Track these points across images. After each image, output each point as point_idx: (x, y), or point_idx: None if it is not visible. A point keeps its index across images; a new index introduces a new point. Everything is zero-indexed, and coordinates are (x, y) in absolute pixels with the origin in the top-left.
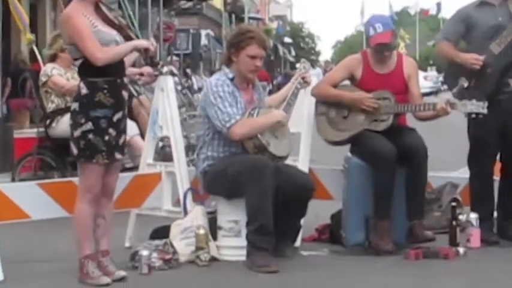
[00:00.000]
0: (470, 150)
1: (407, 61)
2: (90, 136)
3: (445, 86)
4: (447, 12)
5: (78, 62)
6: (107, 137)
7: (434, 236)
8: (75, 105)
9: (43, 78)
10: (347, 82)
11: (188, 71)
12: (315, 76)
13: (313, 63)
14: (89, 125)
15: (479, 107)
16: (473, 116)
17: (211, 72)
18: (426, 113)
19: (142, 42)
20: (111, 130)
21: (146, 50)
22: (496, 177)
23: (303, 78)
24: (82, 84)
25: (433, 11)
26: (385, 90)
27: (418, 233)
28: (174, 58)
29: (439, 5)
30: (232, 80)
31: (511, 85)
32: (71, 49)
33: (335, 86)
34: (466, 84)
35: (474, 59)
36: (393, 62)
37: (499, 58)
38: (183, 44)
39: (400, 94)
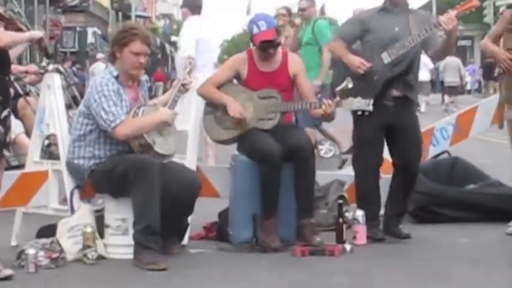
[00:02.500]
0: (355, 149)
1: (292, 59)
2: None
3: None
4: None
5: None
6: None
7: (322, 242)
8: None
9: None
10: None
11: (74, 69)
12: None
13: None
14: None
15: (365, 104)
16: (359, 113)
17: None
18: (315, 111)
19: (37, 33)
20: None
21: (40, 41)
22: (384, 176)
23: (183, 85)
24: None
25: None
26: (272, 88)
27: (308, 236)
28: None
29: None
30: (117, 77)
31: (394, 93)
32: None
33: (220, 85)
34: (350, 85)
35: (360, 63)
36: (278, 60)
37: (387, 68)
38: (69, 41)
39: (286, 92)
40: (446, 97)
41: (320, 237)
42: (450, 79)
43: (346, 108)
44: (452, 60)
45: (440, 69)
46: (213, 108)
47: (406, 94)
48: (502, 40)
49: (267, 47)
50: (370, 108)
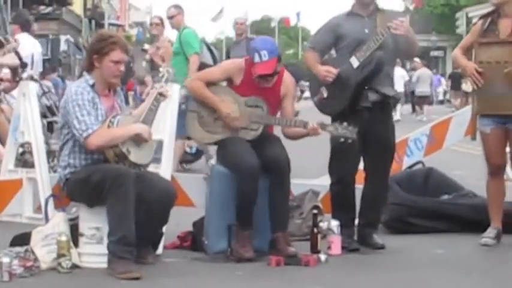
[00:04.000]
0: (331, 158)
1: (286, 80)
2: None
3: (305, 94)
4: (306, 22)
5: None
6: None
7: (297, 252)
8: None
9: None
10: None
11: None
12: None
13: None
14: None
15: (349, 132)
16: (342, 140)
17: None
18: (296, 129)
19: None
20: None
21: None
22: (358, 185)
23: (160, 93)
24: None
25: (293, 20)
26: (259, 97)
27: (281, 247)
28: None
29: (298, 14)
30: (92, 86)
31: (370, 97)
32: None
33: (210, 84)
34: (325, 94)
35: (326, 72)
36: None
37: (357, 72)
38: (42, 49)
39: (273, 109)
40: (417, 107)
41: (294, 248)
42: (421, 89)
43: (331, 132)
44: (424, 72)
45: (413, 80)
46: (198, 107)
47: (384, 93)
48: (473, 52)
49: (266, 78)
50: (354, 136)
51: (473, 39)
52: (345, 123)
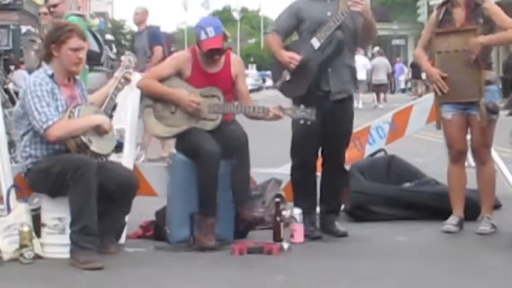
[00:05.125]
0: (292, 143)
1: (234, 60)
2: None
3: (267, 83)
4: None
5: None
6: None
7: (263, 215)
8: None
9: None
10: None
11: (12, 67)
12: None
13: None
14: None
15: (307, 114)
16: (302, 122)
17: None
18: (258, 115)
19: None
20: None
21: None
22: (318, 173)
23: (125, 78)
24: None
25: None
26: (214, 86)
27: (248, 215)
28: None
29: (260, 5)
30: (51, 76)
31: (330, 82)
32: None
33: (161, 80)
34: (288, 77)
35: (289, 58)
36: (221, 60)
37: (318, 53)
38: (3, 40)
39: (228, 93)
40: (374, 95)
41: (260, 212)
42: (379, 77)
43: (290, 116)
44: (380, 61)
45: (369, 68)
46: (153, 102)
47: (343, 88)
48: (431, 44)
49: (214, 54)
50: (313, 118)
51: (430, 32)
52: (303, 106)
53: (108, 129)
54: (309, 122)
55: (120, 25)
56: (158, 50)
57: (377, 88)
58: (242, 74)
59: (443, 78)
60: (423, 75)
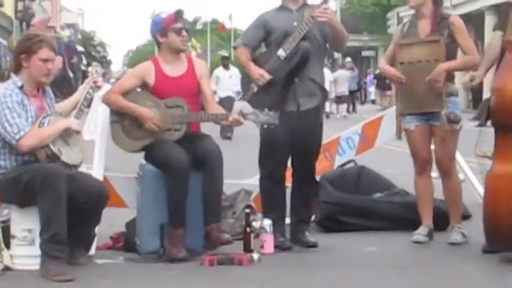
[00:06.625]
0: (260, 153)
1: (197, 62)
2: None
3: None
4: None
5: None
6: None
7: (231, 239)
8: None
9: None
10: None
11: None
12: (108, 84)
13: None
14: None
15: (271, 117)
16: (265, 126)
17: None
18: (221, 122)
19: None
20: None
21: None
22: (289, 184)
23: (94, 82)
24: None
25: (228, 25)
26: (179, 97)
27: (215, 236)
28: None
29: (230, 17)
30: (21, 88)
31: (298, 92)
32: None
33: (126, 93)
34: (256, 89)
35: (259, 75)
36: (184, 63)
37: (285, 63)
38: None
39: (195, 96)
40: (340, 106)
41: (229, 236)
42: (340, 89)
43: (253, 120)
44: (342, 73)
45: (331, 81)
46: (120, 116)
47: (311, 98)
48: (395, 55)
49: (181, 29)
50: (276, 121)
51: (395, 45)
52: (266, 110)
53: (78, 129)
54: (272, 126)
55: (91, 36)
56: (57, 60)
57: (338, 99)
58: (206, 75)
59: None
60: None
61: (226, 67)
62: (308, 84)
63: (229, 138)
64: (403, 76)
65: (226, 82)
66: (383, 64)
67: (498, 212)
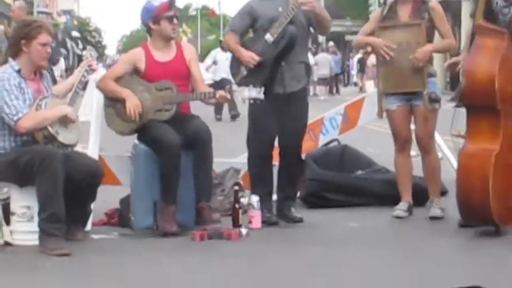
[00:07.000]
0: (248, 134)
1: (186, 47)
2: None
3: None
4: (227, 9)
5: None
6: None
7: (220, 219)
8: None
9: None
10: None
11: None
12: (103, 68)
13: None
14: None
15: (256, 92)
16: (251, 101)
17: None
18: (210, 100)
19: None
20: None
21: None
22: (276, 162)
23: (89, 66)
24: None
25: (217, 11)
26: (168, 80)
27: (206, 216)
28: None
29: (219, 3)
30: (18, 72)
31: (285, 76)
32: None
33: (118, 79)
34: (245, 73)
35: (249, 58)
36: (173, 49)
37: (272, 47)
38: None
39: (184, 79)
40: (318, 88)
41: (219, 215)
42: (321, 72)
43: (239, 97)
44: (323, 57)
45: (313, 64)
46: (113, 101)
47: (297, 81)
48: (377, 37)
49: (173, 16)
50: (261, 96)
51: (374, 26)
52: (251, 86)
53: (74, 119)
54: (258, 101)
55: (86, 22)
56: None
57: (320, 82)
58: (195, 59)
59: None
60: (369, 62)
61: (224, 49)
62: (294, 67)
63: (219, 119)
64: (391, 44)
65: (223, 64)
66: (362, 37)
67: (470, 188)
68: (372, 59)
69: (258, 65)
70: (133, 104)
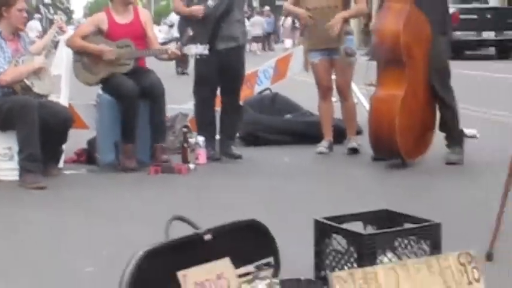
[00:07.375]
0: (194, 84)
1: (142, 11)
2: None
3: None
4: None
5: None
6: None
7: (169, 159)
8: None
9: None
10: None
11: None
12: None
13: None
14: None
15: (202, 49)
16: (198, 56)
17: None
18: (162, 56)
19: None
20: None
21: None
22: (218, 108)
23: (59, 28)
24: None
25: None
26: (127, 39)
27: (158, 155)
28: None
29: None
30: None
31: (224, 34)
32: None
33: (85, 37)
34: (191, 33)
35: (195, 10)
36: (131, 13)
37: (214, 11)
38: None
39: (141, 39)
40: (252, 45)
41: (167, 156)
42: (256, 32)
43: (187, 53)
44: (257, 19)
45: (249, 25)
46: (80, 56)
47: (235, 38)
48: (302, 1)
49: (128, 2)
50: (206, 52)
51: None
52: (198, 44)
53: (43, 66)
54: (204, 56)
55: None
56: None
57: (254, 39)
58: (149, 21)
59: (310, 17)
60: (286, 24)
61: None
62: (232, 27)
63: (185, 73)
64: (310, 14)
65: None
66: (289, 6)
67: (380, 127)
68: (288, 22)
69: (203, 26)
70: (107, 49)
